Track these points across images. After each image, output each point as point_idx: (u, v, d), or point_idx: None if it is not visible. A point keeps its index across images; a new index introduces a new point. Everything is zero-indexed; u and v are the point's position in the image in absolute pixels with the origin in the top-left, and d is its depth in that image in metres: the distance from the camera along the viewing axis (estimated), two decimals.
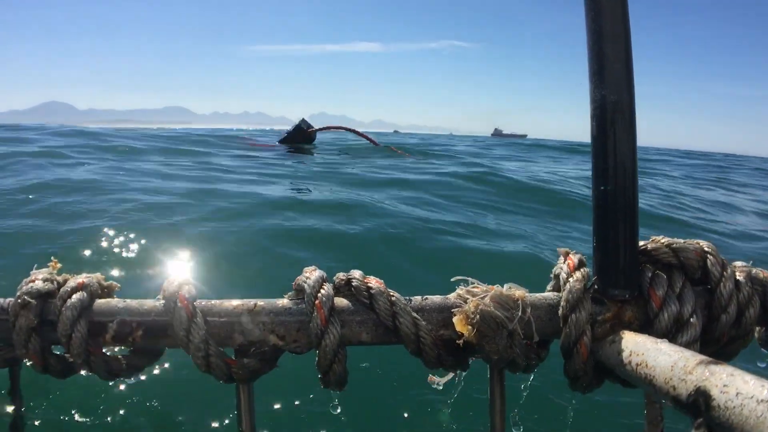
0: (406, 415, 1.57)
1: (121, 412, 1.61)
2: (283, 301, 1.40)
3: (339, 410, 1.59)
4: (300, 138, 8.47)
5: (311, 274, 1.39)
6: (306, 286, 1.36)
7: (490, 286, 1.36)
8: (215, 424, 1.63)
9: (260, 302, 1.39)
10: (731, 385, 0.97)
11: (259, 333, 1.37)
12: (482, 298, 1.32)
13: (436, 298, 1.41)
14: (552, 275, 1.48)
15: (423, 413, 1.59)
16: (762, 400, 0.91)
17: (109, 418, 1.62)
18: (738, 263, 1.56)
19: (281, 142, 8.31)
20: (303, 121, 8.65)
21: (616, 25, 1.41)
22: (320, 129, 8.65)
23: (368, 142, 7.83)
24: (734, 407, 0.94)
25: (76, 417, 1.63)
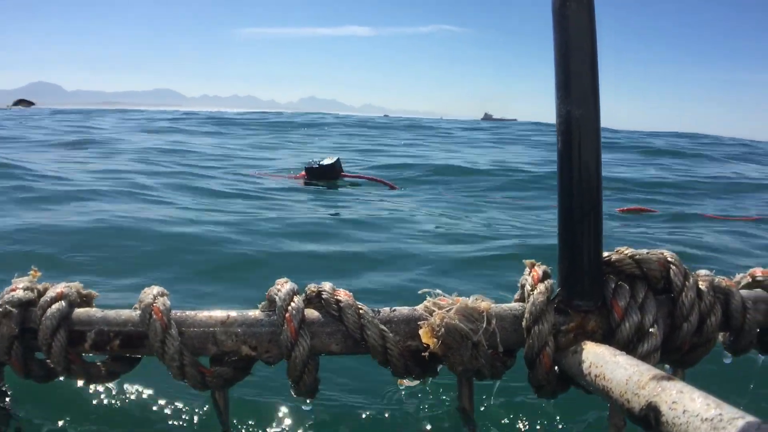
0: (371, 420, 1.61)
1: (101, 412, 1.65)
2: (255, 313, 1.43)
3: (312, 412, 1.63)
4: (329, 175, 8.52)
5: (282, 287, 1.42)
6: (277, 298, 1.39)
7: (456, 298, 1.39)
8: (192, 427, 1.66)
9: (233, 313, 1.42)
10: (679, 402, 1.01)
11: (232, 344, 1.39)
12: (448, 310, 1.35)
13: (404, 310, 1.43)
14: (519, 285, 1.51)
15: (392, 418, 1.63)
16: (706, 419, 0.94)
17: (92, 418, 1.66)
18: (701, 272, 1.58)
19: (308, 172, 8.18)
20: (338, 161, 8.75)
21: (582, 41, 1.43)
22: (351, 176, 8.73)
23: (388, 187, 7.97)
24: (681, 424, 0.98)
25: (65, 415, 1.67)
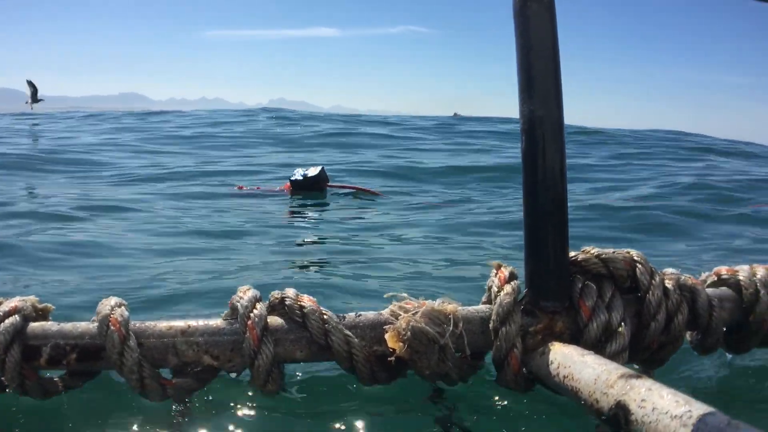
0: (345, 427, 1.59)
1: (64, 417, 1.60)
2: (217, 322, 1.39)
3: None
4: (314, 186, 8.49)
5: (245, 294, 1.39)
6: (239, 306, 1.36)
7: (422, 301, 1.37)
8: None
9: (194, 323, 1.38)
10: (648, 399, 1.00)
11: (193, 354, 1.36)
12: (414, 314, 1.33)
13: (370, 315, 1.41)
14: (486, 287, 1.49)
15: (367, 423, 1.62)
16: (675, 416, 0.93)
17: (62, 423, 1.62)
18: (668, 270, 1.59)
19: (293, 184, 8.16)
20: (323, 170, 8.74)
21: (544, 42, 1.43)
22: (337, 186, 8.79)
23: (374, 194, 8.02)
24: (650, 422, 0.97)
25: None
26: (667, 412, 0.95)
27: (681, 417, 0.92)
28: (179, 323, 1.38)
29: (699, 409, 0.93)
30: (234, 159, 11.06)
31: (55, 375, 1.49)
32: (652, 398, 1.00)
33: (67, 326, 1.41)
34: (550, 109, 1.43)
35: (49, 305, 1.52)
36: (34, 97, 24.53)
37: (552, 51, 1.44)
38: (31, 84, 24.73)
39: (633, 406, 1.02)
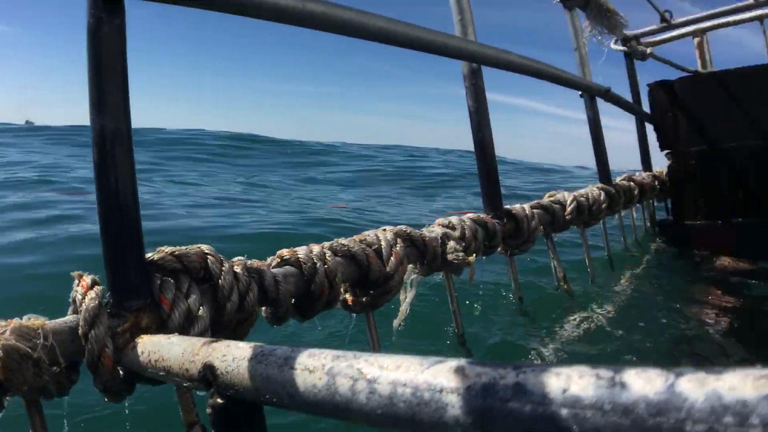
0: None
1: None
2: None
3: None
4: None
5: None
6: None
7: (9, 320, 1.44)
8: None
9: None
10: (228, 353, 1.24)
11: None
12: (2, 333, 1.39)
13: None
14: (70, 300, 1.61)
15: None
16: (251, 358, 1.17)
17: None
18: (236, 258, 1.92)
19: None
20: None
21: (115, 61, 1.60)
22: None
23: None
24: (233, 370, 1.20)
25: None
26: (244, 358, 1.17)
27: (256, 356, 1.15)
28: None
29: (304, 350, 1.10)
30: None
31: None
32: (232, 352, 1.23)
33: None
34: (120, 123, 1.61)
35: None
36: None
37: (122, 70, 1.61)
38: None
39: (217, 363, 1.23)
